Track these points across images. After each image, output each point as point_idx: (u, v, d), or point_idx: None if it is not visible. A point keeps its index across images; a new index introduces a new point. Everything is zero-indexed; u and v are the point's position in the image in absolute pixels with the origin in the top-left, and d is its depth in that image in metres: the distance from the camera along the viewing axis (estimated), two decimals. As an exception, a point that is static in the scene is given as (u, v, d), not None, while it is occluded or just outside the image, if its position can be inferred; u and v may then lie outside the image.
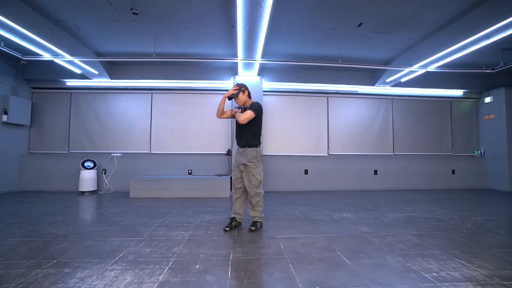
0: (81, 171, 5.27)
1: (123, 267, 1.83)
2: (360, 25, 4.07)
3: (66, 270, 1.77)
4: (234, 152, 5.48)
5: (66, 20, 3.94)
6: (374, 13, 3.75)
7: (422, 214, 3.61)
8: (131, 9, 3.62)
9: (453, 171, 6.51)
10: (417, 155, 6.52)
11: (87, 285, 1.59)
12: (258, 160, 2.76)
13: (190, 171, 5.83)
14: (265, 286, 1.61)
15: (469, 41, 3.93)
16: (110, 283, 1.61)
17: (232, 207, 2.92)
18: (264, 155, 5.80)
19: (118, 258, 1.99)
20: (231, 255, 2.08)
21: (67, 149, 5.83)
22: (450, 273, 1.78)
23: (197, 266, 1.86)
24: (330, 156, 6.23)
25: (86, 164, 5.33)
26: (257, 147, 2.79)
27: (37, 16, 3.68)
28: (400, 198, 4.95)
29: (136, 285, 1.59)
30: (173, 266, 1.86)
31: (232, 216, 2.89)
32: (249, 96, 2.89)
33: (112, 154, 5.74)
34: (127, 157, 5.81)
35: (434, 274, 1.77)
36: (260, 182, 2.77)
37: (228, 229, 2.73)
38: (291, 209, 3.85)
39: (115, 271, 1.78)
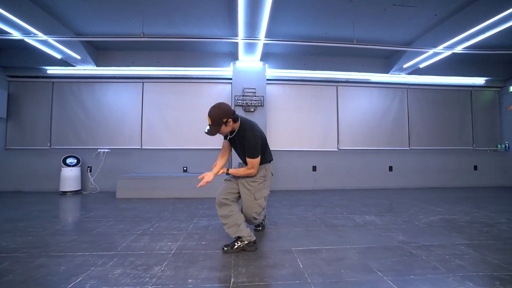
0: (62, 168, 4.68)
1: (73, 304, 1.25)
2: (381, -6, 3.47)
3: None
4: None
5: (36, -10, 3.34)
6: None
7: (459, 216, 3.02)
8: (111, -27, 3.02)
9: (475, 167, 5.93)
10: (435, 150, 5.93)
11: None
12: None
13: (185, 168, 5.24)
14: None
15: (502, 16, 3.36)
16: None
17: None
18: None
19: (70, 287, 1.40)
20: (232, 280, 1.49)
21: (48, 144, 5.23)
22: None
23: (182, 301, 1.28)
24: (340, 151, 5.64)
25: (68, 160, 4.74)
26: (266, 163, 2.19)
27: (-1, -16, 3.09)
28: (422, 197, 4.36)
29: None
30: (147, 301, 1.27)
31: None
32: (235, 119, 1.94)
33: (99, 150, 5.16)
34: (116, 153, 5.22)
35: (538, 313, 1.19)
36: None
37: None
38: (303, 212, 3.26)
39: (58, 311, 1.19)
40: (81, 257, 1.81)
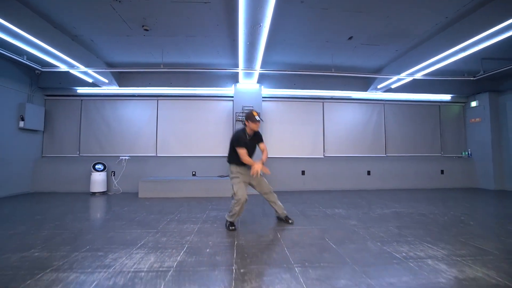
0: (92, 173, 5.64)
1: (146, 251, 2.20)
2: (350, 38, 4.47)
3: (99, 254, 2.14)
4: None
5: (83, 36, 4.34)
6: (363, 28, 4.15)
7: (407, 210, 3.98)
8: (143, 26, 4.01)
9: (442, 171, 6.89)
10: (408, 156, 6.90)
11: (120, 264, 1.95)
12: None
13: (194, 172, 6.20)
14: (264, 264, 1.97)
15: (450, 52, 4.32)
16: (138, 262, 1.98)
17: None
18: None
19: (140, 245, 2.36)
20: (236, 242, 2.45)
21: (77, 152, 6.20)
22: (416, 253, 2.15)
23: (207, 250, 2.23)
24: (326, 158, 6.61)
25: (97, 166, 5.70)
26: None
27: (56, 32, 4.08)
28: (391, 196, 5.32)
29: (159, 263, 1.96)
30: (187, 251, 2.23)
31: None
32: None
33: (121, 157, 6.12)
34: (135, 160, 6.18)
35: (404, 254, 2.14)
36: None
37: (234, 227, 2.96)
38: (289, 207, 4.20)
39: (140, 254, 2.15)
40: (135, 232, 2.77)
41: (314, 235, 2.70)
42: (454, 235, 2.68)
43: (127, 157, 6.14)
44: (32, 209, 4.04)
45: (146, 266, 1.90)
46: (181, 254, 2.15)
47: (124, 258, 2.06)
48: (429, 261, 1.99)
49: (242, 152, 2.93)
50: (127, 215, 3.60)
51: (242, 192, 2.87)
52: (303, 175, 6.45)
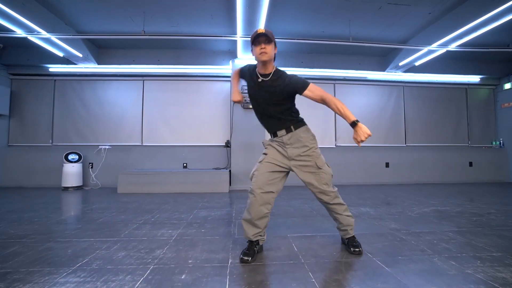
0: (64, 164, 4.76)
1: (81, 279, 1.33)
2: (376, -7, 3.56)
3: (0, 285, 1.27)
4: (237, 144, 4.98)
5: (40, -12, 3.43)
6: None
7: (451, 208, 3.12)
8: (113, -28, 3.11)
9: (470, 164, 6.02)
10: (431, 147, 6.02)
11: (20, 307, 1.09)
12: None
13: (185, 164, 5.33)
14: (279, 306, 1.11)
15: (497, 12, 3.43)
16: (53, 305, 1.11)
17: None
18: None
19: (78, 266, 1.49)
20: (230, 261, 1.58)
21: (50, 141, 5.32)
22: (535, 285, 1.29)
23: (182, 277, 1.36)
24: (337, 148, 5.74)
25: (70, 157, 4.82)
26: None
27: (3, -19, 3.17)
28: (417, 191, 4.46)
29: (90, 308, 1.09)
30: (149, 278, 1.36)
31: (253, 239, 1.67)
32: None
33: (100, 147, 5.24)
34: (117, 150, 5.30)
35: (510, 285, 1.28)
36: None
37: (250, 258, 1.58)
38: (300, 204, 3.35)
39: (67, 284, 1.28)
40: (86, 242, 1.90)
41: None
42: (555, 246, 1.82)
43: (107, 147, 5.26)
44: (-25, 207, 3.18)
45: (64, 315, 1.04)
46: (137, 285, 1.28)
47: (37, 293, 1.19)
48: None
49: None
50: (90, 215, 2.73)
51: (258, 180, 1.64)
52: (312, 168, 5.57)
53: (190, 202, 3.47)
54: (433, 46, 4.42)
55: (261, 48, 1.56)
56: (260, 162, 1.72)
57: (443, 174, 5.89)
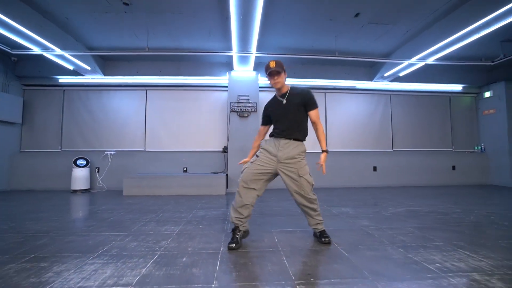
0: (73, 169, 5.14)
1: (105, 261, 1.71)
2: (357, 15, 3.97)
3: (42, 265, 1.64)
4: (234, 150, 5.35)
5: (55, 11, 3.83)
6: (371, 2, 3.66)
7: (423, 208, 3.49)
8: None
9: (454, 167, 6.40)
10: (416, 151, 6.41)
11: (62, 278, 1.46)
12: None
13: (185, 168, 5.70)
14: (255, 280, 1.48)
15: (469, 30, 3.83)
16: (87, 277, 1.48)
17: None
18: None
19: (100, 253, 1.86)
20: (222, 249, 1.95)
21: (59, 147, 5.70)
22: (454, 264, 1.66)
23: (183, 260, 1.74)
24: (329, 153, 6.09)
25: (78, 162, 5.20)
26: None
27: (24, 7, 3.57)
28: (401, 194, 4.83)
29: (115, 278, 1.46)
30: (158, 260, 1.73)
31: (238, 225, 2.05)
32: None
33: (106, 152, 5.62)
34: (121, 155, 5.68)
35: (438, 264, 1.65)
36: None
37: (234, 245, 1.95)
38: (289, 205, 3.72)
39: (95, 264, 1.65)
40: (102, 236, 2.27)
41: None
42: (492, 238, 2.19)
43: (113, 152, 5.64)
44: (-3, 208, 3.55)
45: (96, 284, 1.41)
46: (148, 265, 1.65)
47: (72, 271, 1.56)
48: (476, 276, 1.50)
49: (259, 130, 2.24)
50: (101, 215, 3.10)
51: (245, 176, 2.03)
52: (304, 171, 5.94)
53: (190, 203, 3.84)
54: (413, 59, 4.82)
55: (274, 80, 2.03)
56: (251, 162, 2.09)
57: (428, 178, 6.27)
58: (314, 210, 2.14)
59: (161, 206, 3.62)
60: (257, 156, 2.12)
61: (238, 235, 2.02)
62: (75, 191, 5.08)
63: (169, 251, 1.89)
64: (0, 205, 3.73)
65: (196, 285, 1.40)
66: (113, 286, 1.39)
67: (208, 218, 2.92)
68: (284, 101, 2.08)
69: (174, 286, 1.39)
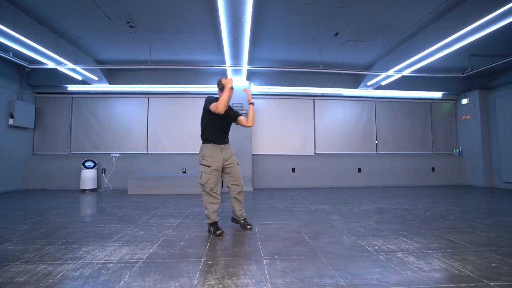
0: (82, 170, 5.65)
1: (120, 244, 2.22)
2: (336, 34, 4.47)
3: (73, 246, 2.15)
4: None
5: (69, 32, 4.33)
6: (349, 23, 4.15)
7: (391, 205, 4.00)
8: (128, 22, 4.01)
9: (433, 169, 6.91)
10: (399, 154, 6.92)
11: (91, 256, 1.97)
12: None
13: (184, 170, 6.21)
14: (234, 256, 1.99)
15: (437, 47, 4.31)
16: (110, 254, 1.99)
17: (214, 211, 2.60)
18: (253, 154, 6.21)
19: (116, 239, 2.37)
20: (211, 236, 2.46)
21: (68, 150, 6.21)
22: (389, 247, 2.17)
23: (181, 243, 2.25)
24: (316, 155, 6.62)
25: (87, 163, 5.71)
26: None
27: (42, 30, 4.08)
28: (380, 193, 5.33)
29: (130, 255, 1.97)
30: (161, 243, 2.24)
31: (218, 220, 2.64)
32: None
33: (111, 155, 6.12)
34: (125, 157, 6.19)
35: (376, 247, 2.16)
36: None
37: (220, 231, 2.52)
38: (275, 203, 4.23)
39: (114, 246, 2.16)
40: (115, 227, 2.78)
41: (292, 229, 2.71)
42: (431, 229, 2.70)
43: (117, 154, 6.15)
44: (18, 205, 4.06)
45: (117, 258, 1.92)
46: (154, 246, 2.16)
47: (97, 250, 2.07)
48: (399, 254, 2.01)
49: (219, 100, 2.47)
50: (111, 211, 3.61)
51: (212, 182, 2.51)
52: (293, 173, 6.46)
53: (188, 201, 4.35)
54: (390, 71, 5.33)
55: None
56: (209, 174, 2.52)
57: (409, 178, 6.78)
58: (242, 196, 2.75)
59: (162, 204, 4.13)
60: (208, 166, 2.55)
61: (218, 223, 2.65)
62: (84, 191, 5.59)
63: (170, 238, 2.40)
64: (22, 203, 4.24)
65: (190, 259, 1.91)
66: (129, 260, 1.90)
67: (203, 214, 3.42)
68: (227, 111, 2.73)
69: (174, 259, 1.90)
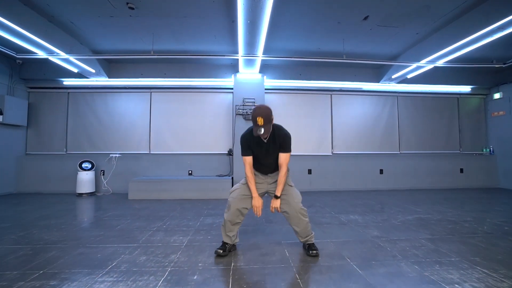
0: (78, 172, 5.14)
1: (115, 279, 1.68)
2: (366, 18, 3.89)
3: (51, 283, 1.62)
4: (239, 153, 5.32)
5: (60, 16, 3.79)
6: (381, 5, 3.57)
7: (432, 215, 3.44)
8: (127, 3, 3.46)
9: (461, 170, 6.32)
10: (423, 154, 6.33)
11: None
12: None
13: (190, 171, 5.69)
14: (270, 300, 1.45)
15: (481, 33, 3.73)
16: (98, 298, 1.46)
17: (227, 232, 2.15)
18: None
19: (110, 268, 1.84)
20: (232, 264, 1.92)
21: (65, 149, 5.70)
22: (474, 285, 1.61)
23: (195, 278, 1.71)
24: (334, 155, 6.06)
25: (83, 165, 5.20)
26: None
27: (29, 12, 3.54)
28: (408, 198, 4.77)
29: (127, 301, 1.44)
30: (169, 278, 1.70)
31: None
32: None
33: (111, 155, 5.61)
34: (126, 158, 5.67)
35: (456, 285, 1.61)
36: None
37: (222, 251, 2.09)
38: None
39: (105, 283, 1.63)
40: (111, 248, 2.25)
41: (331, 252, 2.17)
42: (509, 253, 2.14)
43: (118, 155, 5.63)
44: (6, 212, 3.56)
45: (108, 306, 1.39)
46: (159, 284, 1.63)
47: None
48: (496, 298, 1.46)
49: (245, 163, 2.16)
50: (108, 222, 3.09)
51: (235, 201, 2.15)
52: (309, 174, 5.91)
53: (196, 209, 3.82)
54: (422, 62, 4.73)
55: (263, 137, 2.02)
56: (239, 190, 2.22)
57: (435, 181, 6.19)
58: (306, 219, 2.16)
59: (167, 212, 3.61)
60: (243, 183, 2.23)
61: (228, 245, 2.13)
62: (80, 195, 5.08)
63: (179, 267, 1.87)
64: (10, 211, 3.73)
65: (209, 309, 1.37)
66: (126, 309, 1.36)
67: (217, 227, 2.89)
68: (265, 141, 2.11)
69: (187, 309, 1.36)
